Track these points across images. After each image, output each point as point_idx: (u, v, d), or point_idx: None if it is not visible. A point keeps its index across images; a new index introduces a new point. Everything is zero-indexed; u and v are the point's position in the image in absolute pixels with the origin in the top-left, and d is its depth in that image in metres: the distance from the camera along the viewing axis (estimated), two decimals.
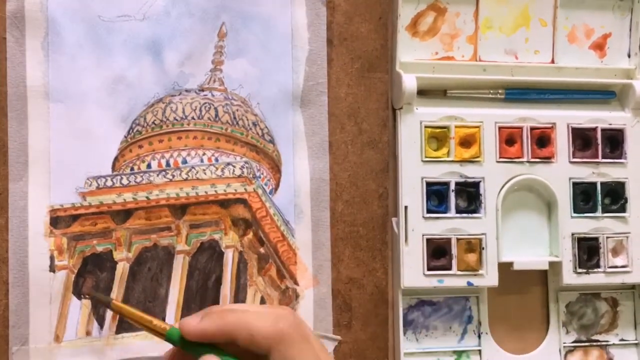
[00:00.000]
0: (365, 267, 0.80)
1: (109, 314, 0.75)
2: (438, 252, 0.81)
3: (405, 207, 0.80)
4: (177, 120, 0.77)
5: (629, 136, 0.84)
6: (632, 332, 0.86)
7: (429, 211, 0.81)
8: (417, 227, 0.80)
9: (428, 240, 0.80)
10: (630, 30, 0.86)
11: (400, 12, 0.81)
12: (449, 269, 0.81)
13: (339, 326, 0.80)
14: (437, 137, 0.82)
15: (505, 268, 0.82)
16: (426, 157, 0.81)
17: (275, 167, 0.79)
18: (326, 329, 0.79)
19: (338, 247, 0.80)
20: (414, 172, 0.81)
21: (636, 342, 0.86)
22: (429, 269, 0.80)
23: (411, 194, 0.81)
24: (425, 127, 0.82)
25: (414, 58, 0.83)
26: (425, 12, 0.83)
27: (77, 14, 0.75)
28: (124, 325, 0.75)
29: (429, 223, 0.81)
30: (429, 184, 0.81)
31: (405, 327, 0.81)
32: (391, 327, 0.81)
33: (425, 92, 0.82)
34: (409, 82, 0.80)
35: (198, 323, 0.58)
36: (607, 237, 0.83)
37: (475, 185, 0.82)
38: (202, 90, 0.78)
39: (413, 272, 0.80)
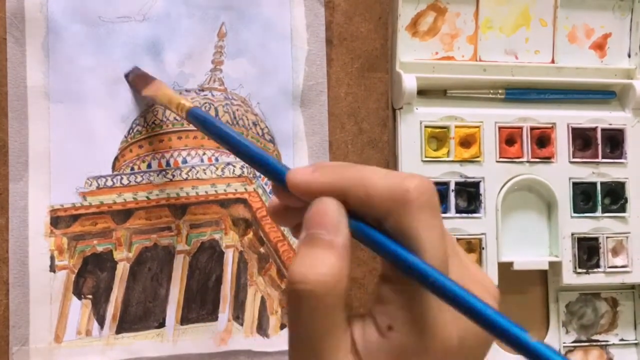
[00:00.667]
0: (365, 267, 0.80)
1: (109, 313, 0.75)
2: None
3: None
4: (177, 120, 0.77)
5: (629, 136, 0.85)
6: (632, 332, 0.86)
7: None
8: None
9: None
10: (630, 30, 0.86)
11: (400, 12, 0.81)
12: None
13: None
14: (437, 137, 0.82)
15: (505, 268, 0.82)
16: (426, 157, 0.81)
17: None
18: None
19: None
20: (414, 172, 0.80)
21: (636, 342, 0.86)
22: None
23: None
24: (425, 127, 0.82)
25: (414, 58, 0.83)
26: (426, 12, 0.83)
27: (77, 14, 0.75)
28: (124, 325, 0.75)
29: None
30: None
31: None
32: None
33: (425, 92, 0.82)
34: (409, 82, 0.80)
35: (311, 174, 0.48)
36: (607, 237, 0.83)
37: (475, 185, 0.82)
38: (202, 90, 0.78)
39: None
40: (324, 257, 0.46)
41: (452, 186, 0.81)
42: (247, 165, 0.77)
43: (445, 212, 0.81)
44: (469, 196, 0.82)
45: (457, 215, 0.81)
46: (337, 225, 0.46)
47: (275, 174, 0.50)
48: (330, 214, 0.47)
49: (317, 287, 0.44)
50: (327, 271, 0.45)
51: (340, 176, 0.47)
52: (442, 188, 0.82)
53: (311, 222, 0.47)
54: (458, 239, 0.81)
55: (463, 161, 0.82)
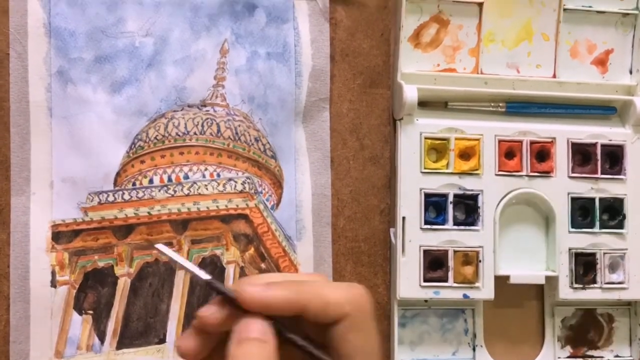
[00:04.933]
0: (366, 283, 0.80)
1: (109, 329, 0.75)
2: (435, 264, 0.81)
3: (403, 218, 0.81)
4: (179, 135, 0.77)
5: (629, 152, 0.85)
6: (627, 348, 0.86)
7: (426, 222, 0.81)
8: (414, 238, 0.81)
9: (425, 251, 0.81)
10: (632, 46, 0.86)
11: (403, 23, 0.81)
12: (445, 280, 0.81)
13: None
14: (437, 148, 0.82)
15: (501, 281, 0.82)
16: (425, 168, 0.82)
17: (277, 183, 0.79)
18: None
19: (339, 262, 0.80)
20: (413, 183, 0.81)
21: (631, 358, 0.86)
22: (425, 280, 0.80)
23: (409, 205, 0.81)
24: (425, 138, 0.82)
25: (416, 69, 0.83)
26: (428, 24, 0.83)
27: (80, 29, 0.74)
28: (125, 340, 0.75)
29: (427, 234, 0.81)
30: (427, 195, 0.81)
31: (400, 338, 0.82)
32: (391, 341, 0.82)
33: (426, 104, 0.82)
34: (410, 93, 0.80)
35: (263, 291, 0.51)
36: (605, 253, 0.84)
37: (474, 197, 0.82)
38: (204, 106, 0.77)
39: (409, 283, 0.80)
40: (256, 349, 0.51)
41: (451, 198, 0.82)
42: (248, 180, 0.78)
43: (443, 224, 0.81)
44: (467, 208, 0.83)
45: (455, 227, 0.82)
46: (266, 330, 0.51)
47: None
48: (259, 323, 0.51)
49: None
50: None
51: (296, 290, 0.53)
52: (440, 200, 0.82)
53: (242, 328, 0.51)
54: (455, 252, 0.81)
55: (462, 173, 0.82)
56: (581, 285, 0.83)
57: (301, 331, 0.54)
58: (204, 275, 0.54)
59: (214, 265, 0.77)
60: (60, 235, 0.74)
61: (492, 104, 0.84)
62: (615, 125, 0.86)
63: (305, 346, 0.54)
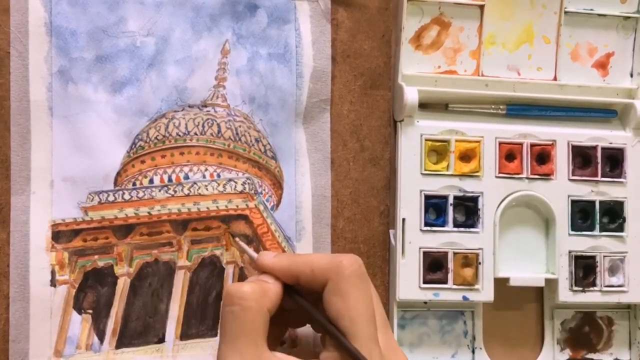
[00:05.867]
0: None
1: (109, 328, 0.75)
2: (434, 266, 0.81)
3: (403, 220, 0.81)
4: (179, 135, 0.77)
5: (629, 156, 0.85)
6: (626, 352, 0.86)
7: (426, 224, 0.81)
8: (414, 239, 0.81)
9: (425, 253, 0.81)
10: (633, 50, 0.86)
11: (404, 25, 0.81)
12: (445, 282, 0.81)
13: None
14: (437, 150, 0.82)
15: (501, 283, 0.82)
16: (425, 170, 0.81)
17: (277, 184, 0.79)
18: None
19: None
20: (413, 184, 0.81)
21: None
22: (424, 282, 0.80)
23: (409, 207, 0.81)
24: (426, 140, 0.82)
25: (417, 71, 0.83)
26: (429, 26, 0.83)
27: (81, 28, 0.74)
28: (124, 340, 0.75)
29: (426, 236, 0.81)
30: (427, 197, 0.81)
31: (399, 339, 0.82)
32: None
33: (427, 105, 0.82)
34: (411, 94, 0.80)
35: (272, 257, 0.66)
36: (604, 256, 0.84)
37: (474, 199, 0.82)
38: (205, 106, 0.77)
39: (409, 284, 0.80)
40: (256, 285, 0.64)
41: (451, 200, 0.81)
42: (248, 181, 0.78)
43: (443, 225, 0.81)
44: (467, 211, 0.83)
45: (455, 229, 0.81)
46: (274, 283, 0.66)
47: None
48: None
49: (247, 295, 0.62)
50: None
51: (293, 261, 0.65)
52: (440, 202, 0.82)
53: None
54: (455, 253, 0.81)
55: (462, 175, 0.82)
56: (581, 288, 0.83)
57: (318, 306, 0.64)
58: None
59: (213, 266, 0.77)
60: (60, 234, 0.74)
61: (493, 106, 0.84)
62: (615, 128, 0.86)
63: (306, 306, 0.65)
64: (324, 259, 0.63)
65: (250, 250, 0.71)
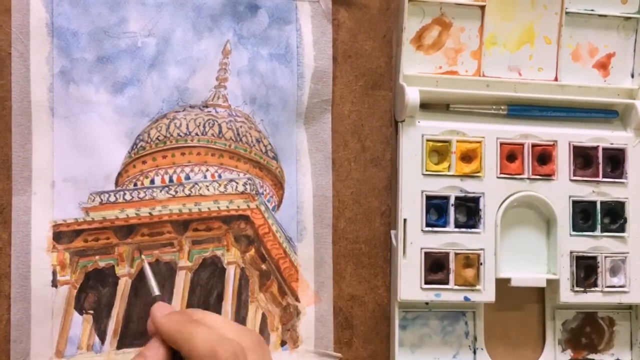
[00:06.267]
0: (367, 284, 0.81)
1: (110, 329, 0.75)
2: (436, 266, 0.81)
3: (405, 220, 0.81)
4: (181, 136, 0.77)
5: (630, 156, 0.85)
6: (627, 352, 0.86)
7: (428, 225, 0.81)
8: (415, 240, 0.81)
9: (426, 253, 0.81)
10: (634, 50, 0.87)
11: (405, 25, 0.81)
12: (446, 283, 0.81)
13: (339, 343, 0.80)
14: (439, 150, 0.82)
15: (502, 284, 0.82)
16: (427, 170, 0.82)
17: (278, 184, 0.79)
18: (327, 347, 0.80)
19: (340, 264, 0.80)
20: (414, 185, 0.81)
21: None
22: (426, 283, 0.80)
23: (411, 207, 0.81)
24: (427, 140, 0.82)
25: (418, 71, 0.83)
26: (431, 26, 0.83)
27: (83, 29, 0.75)
28: (125, 340, 0.75)
29: (428, 237, 0.81)
30: (428, 198, 0.81)
31: (400, 340, 0.81)
32: (392, 343, 0.82)
33: (428, 106, 0.82)
34: (412, 95, 0.80)
35: (162, 317, 0.65)
36: (606, 257, 0.84)
37: (475, 200, 0.82)
38: (206, 107, 0.78)
39: (410, 285, 0.80)
40: None
41: (452, 200, 0.82)
42: (250, 181, 0.78)
43: (444, 226, 0.81)
44: (469, 211, 0.83)
45: (456, 229, 0.82)
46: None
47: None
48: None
49: None
50: None
51: (178, 330, 0.63)
52: (441, 202, 0.82)
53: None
54: (456, 254, 0.81)
55: (463, 176, 0.82)
56: (582, 289, 0.83)
57: None
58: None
59: (214, 266, 0.77)
60: (61, 235, 0.74)
61: (494, 107, 0.84)
62: (616, 128, 0.86)
63: None
64: (204, 343, 0.60)
65: (155, 287, 0.71)
